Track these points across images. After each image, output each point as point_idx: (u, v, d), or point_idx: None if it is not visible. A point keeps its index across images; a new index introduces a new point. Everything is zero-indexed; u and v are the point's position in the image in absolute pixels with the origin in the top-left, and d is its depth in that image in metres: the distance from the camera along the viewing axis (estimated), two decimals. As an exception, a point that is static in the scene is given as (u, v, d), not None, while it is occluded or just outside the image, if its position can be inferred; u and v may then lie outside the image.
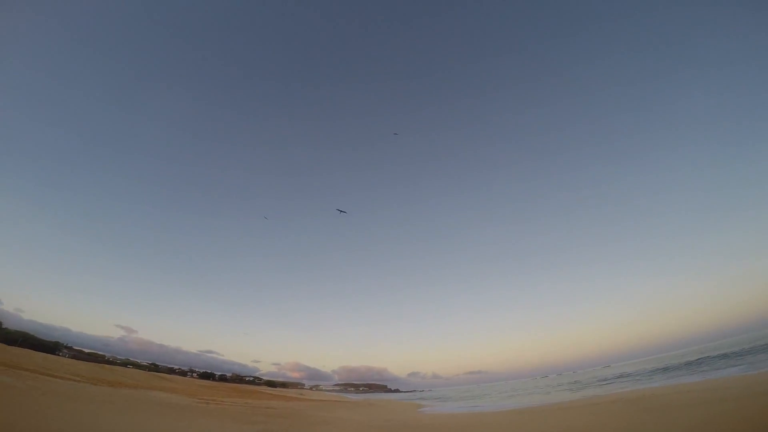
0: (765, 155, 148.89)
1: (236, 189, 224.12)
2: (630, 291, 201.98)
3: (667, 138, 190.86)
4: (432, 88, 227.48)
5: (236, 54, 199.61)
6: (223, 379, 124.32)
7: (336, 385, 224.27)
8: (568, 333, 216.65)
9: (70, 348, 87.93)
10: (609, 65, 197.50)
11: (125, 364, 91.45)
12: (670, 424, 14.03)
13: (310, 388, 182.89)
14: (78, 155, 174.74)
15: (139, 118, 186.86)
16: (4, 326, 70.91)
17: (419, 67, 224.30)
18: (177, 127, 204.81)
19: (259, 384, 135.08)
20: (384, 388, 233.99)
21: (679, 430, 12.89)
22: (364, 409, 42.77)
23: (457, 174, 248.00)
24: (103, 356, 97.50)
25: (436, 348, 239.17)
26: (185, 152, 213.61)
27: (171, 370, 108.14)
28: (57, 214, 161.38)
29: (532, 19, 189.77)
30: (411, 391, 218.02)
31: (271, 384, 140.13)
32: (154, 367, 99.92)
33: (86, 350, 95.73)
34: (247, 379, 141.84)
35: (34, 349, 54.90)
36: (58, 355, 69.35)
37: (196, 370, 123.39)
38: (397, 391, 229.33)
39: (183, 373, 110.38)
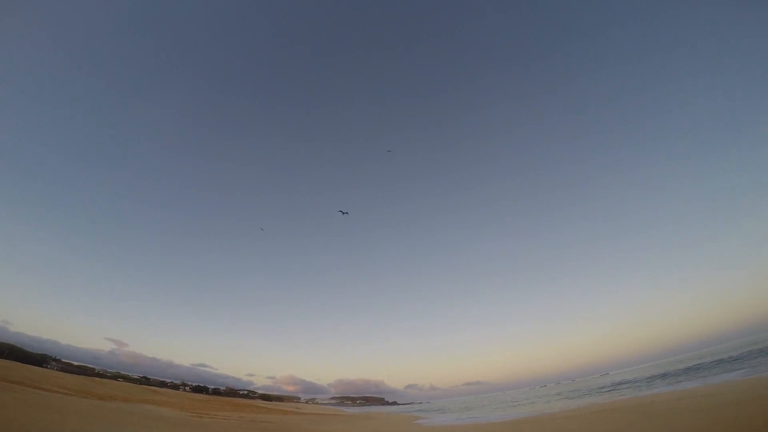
0: (763, 161, 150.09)
1: (231, 199, 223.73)
2: (626, 299, 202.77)
3: (663, 144, 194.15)
4: (429, 102, 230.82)
5: (231, 74, 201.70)
6: (216, 392, 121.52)
7: (332, 398, 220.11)
8: (566, 342, 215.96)
9: (58, 360, 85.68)
10: (603, 76, 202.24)
11: (116, 377, 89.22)
12: (672, 431, 13.88)
13: (306, 402, 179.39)
14: (67, 166, 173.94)
15: (129, 128, 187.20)
16: (-10, 338, 69.13)
17: (415, 81, 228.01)
18: (169, 140, 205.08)
19: (253, 397, 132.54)
20: (381, 401, 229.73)
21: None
22: (360, 423, 41.90)
23: (454, 185, 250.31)
24: (93, 369, 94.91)
25: (433, 360, 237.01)
26: (179, 164, 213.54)
27: (163, 384, 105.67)
28: (45, 225, 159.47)
29: (527, 27, 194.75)
30: (409, 404, 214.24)
31: (266, 397, 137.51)
32: (145, 381, 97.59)
33: (75, 363, 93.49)
34: (241, 392, 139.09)
35: (21, 362, 53.36)
36: (46, 367, 67.57)
37: (189, 383, 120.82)
38: (394, 403, 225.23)
39: (175, 387, 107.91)
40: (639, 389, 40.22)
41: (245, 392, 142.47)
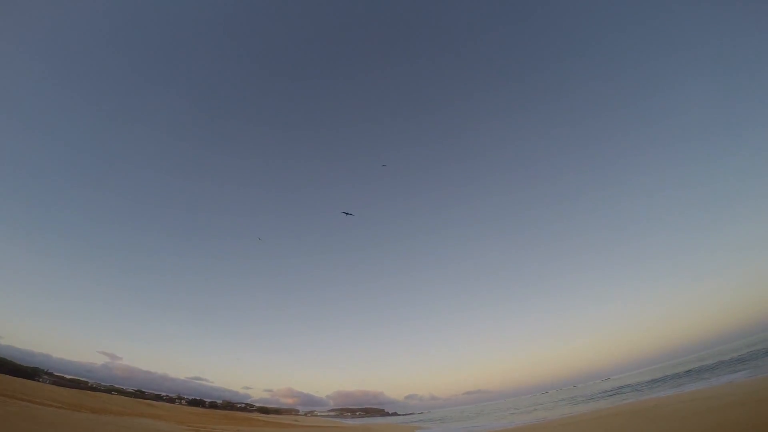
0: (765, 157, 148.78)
1: (227, 209, 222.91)
2: (626, 301, 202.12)
3: (662, 144, 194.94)
4: (428, 101, 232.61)
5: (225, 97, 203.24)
6: (213, 405, 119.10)
7: (331, 410, 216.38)
8: (566, 347, 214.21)
9: (50, 374, 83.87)
10: (599, 81, 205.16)
11: (109, 390, 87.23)
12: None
13: (305, 414, 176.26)
14: (59, 174, 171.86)
15: (122, 136, 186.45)
16: (-20, 352, 67.55)
17: (410, 92, 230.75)
18: (164, 151, 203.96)
19: (251, 410, 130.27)
20: (381, 412, 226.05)
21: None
22: (361, 433, 41.06)
23: (450, 191, 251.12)
24: (86, 383, 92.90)
25: (432, 369, 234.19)
26: (174, 175, 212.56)
27: (158, 397, 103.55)
28: (35, 235, 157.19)
29: (521, 36, 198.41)
30: (409, 414, 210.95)
31: (264, 410, 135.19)
32: (140, 394, 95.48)
33: (68, 376, 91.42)
34: (238, 405, 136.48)
35: (12, 375, 52.07)
36: (38, 381, 66.07)
37: (185, 396, 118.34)
38: (395, 414, 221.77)
39: (171, 400, 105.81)
40: (642, 393, 39.84)
41: (243, 405, 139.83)
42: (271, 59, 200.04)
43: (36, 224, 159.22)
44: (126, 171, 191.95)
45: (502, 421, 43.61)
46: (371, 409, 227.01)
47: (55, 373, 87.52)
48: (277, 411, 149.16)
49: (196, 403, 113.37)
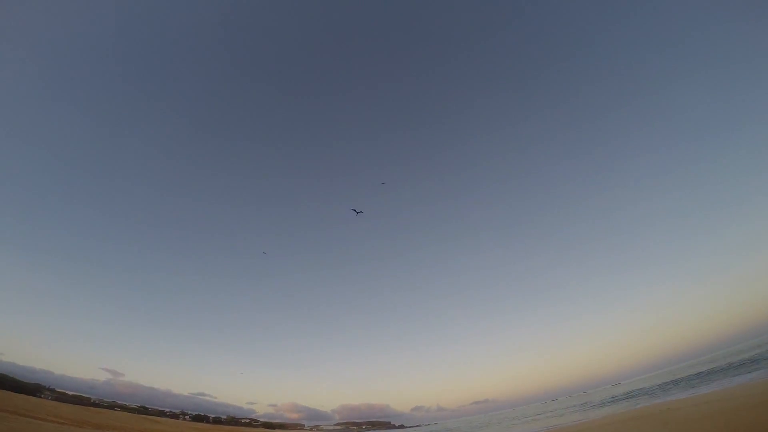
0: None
1: (228, 223, 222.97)
2: (633, 305, 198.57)
3: (663, 142, 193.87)
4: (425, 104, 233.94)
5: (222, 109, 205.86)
6: (217, 421, 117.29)
7: (337, 424, 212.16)
8: (574, 353, 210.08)
9: (52, 390, 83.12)
10: (597, 81, 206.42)
11: (112, 406, 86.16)
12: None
13: (310, 429, 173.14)
14: (57, 187, 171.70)
15: (120, 146, 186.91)
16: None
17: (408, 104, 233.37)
18: (163, 164, 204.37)
19: (256, 426, 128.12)
20: (388, 425, 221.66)
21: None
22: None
23: (453, 201, 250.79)
24: (89, 399, 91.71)
25: (438, 380, 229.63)
26: (177, 191, 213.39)
27: (161, 413, 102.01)
28: (36, 252, 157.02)
29: (517, 41, 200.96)
30: (416, 426, 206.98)
31: (269, 426, 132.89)
32: (143, 410, 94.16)
33: (70, 393, 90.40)
34: (243, 420, 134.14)
35: (14, 392, 51.60)
36: (40, 397, 65.48)
37: (188, 412, 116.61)
38: (401, 427, 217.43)
39: (174, 416, 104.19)
40: (654, 397, 38.94)
41: (247, 420, 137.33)
42: (271, 72, 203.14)
43: (37, 240, 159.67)
44: (128, 187, 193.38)
45: (515, 429, 42.67)
46: (377, 423, 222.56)
47: (57, 390, 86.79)
48: (282, 426, 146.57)
49: (200, 418, 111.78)
